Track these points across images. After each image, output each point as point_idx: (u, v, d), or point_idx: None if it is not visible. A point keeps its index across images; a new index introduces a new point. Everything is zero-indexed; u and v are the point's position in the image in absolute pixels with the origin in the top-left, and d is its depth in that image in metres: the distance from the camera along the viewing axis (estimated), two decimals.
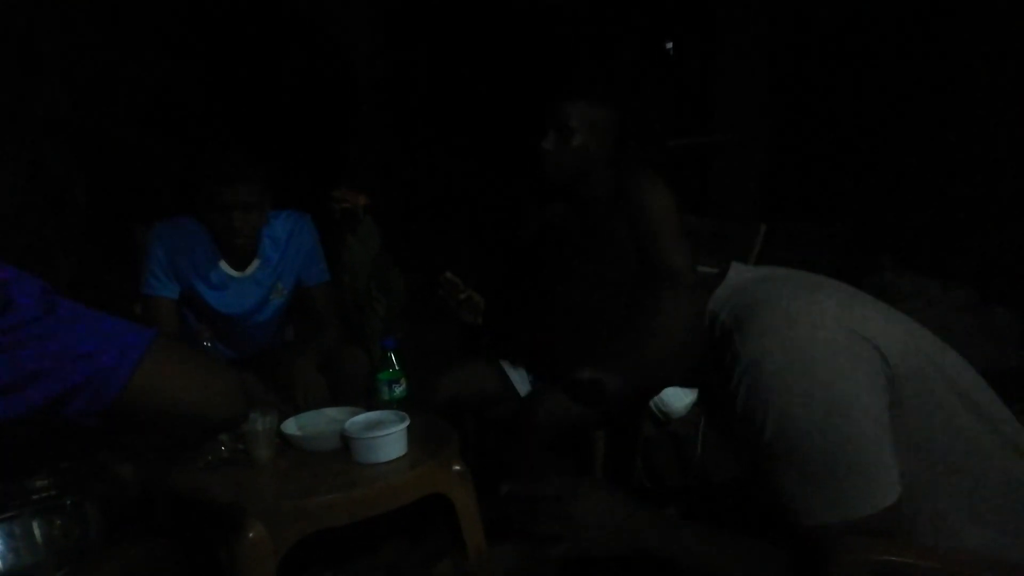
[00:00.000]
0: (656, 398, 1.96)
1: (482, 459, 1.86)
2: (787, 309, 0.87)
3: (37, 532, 0.87)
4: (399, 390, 1.73)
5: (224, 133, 4.53)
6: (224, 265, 2.12)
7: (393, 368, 1.74)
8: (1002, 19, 3.39)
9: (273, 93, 5.10)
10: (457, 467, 1.64)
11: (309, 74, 5.29)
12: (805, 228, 3.59)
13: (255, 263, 2.14)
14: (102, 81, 4.11)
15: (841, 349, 0.84)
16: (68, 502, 0.91)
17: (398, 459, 1.56)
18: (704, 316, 0.97)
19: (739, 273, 1.00)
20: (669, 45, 5.51)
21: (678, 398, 2.00)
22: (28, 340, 0.70)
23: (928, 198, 3.74)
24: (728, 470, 2.10)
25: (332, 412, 1.75)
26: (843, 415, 0.83)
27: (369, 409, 1.69)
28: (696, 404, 2.04)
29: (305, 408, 1.82)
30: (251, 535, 1.37)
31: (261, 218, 2.07)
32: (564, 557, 1.01)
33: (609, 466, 1.95)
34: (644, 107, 5.23)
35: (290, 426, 1.68)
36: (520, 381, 2.07)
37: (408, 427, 1.58)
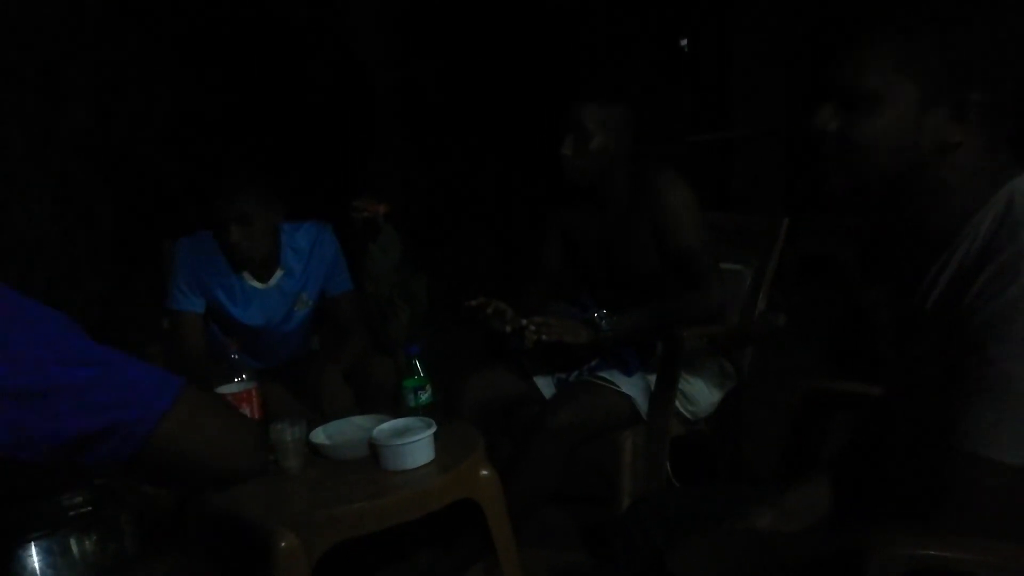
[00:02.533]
0: (682, 397, 1.95)
1: (509, 463, 1.86)
2: None
3: (74, 548, 0.89)
4: (425, 396, 1.74)
5: (244, 146, 4.57)
6: (247, 277, 2.14)
7: (418, 375, 1.74)
8: None
9: (291, 105, 5.14)
10: (485, 472, 1.63)
11: (326, 85, 5.33)
12: (829, 220, 3.55)
13: (278, 274, 2.16)
14: (125, 100, 4.17)
15: None
16: (104, 517, 0.92)
17: (426, 465, 1.56)
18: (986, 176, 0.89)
19: None
20: (684, 42, 5.48)
21: (705, 397, 1.99)
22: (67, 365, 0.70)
23: None
24: (760, 468, 2.09)
25: (359, 420, 1.76)
26: None
27: (396, 416, 1.70)
28: (722, 403, 2.03)
29: (332, 417, 1.83)
30: (283, 544, 1.38)
31: (264, 231, 2.05)
32: None
33: (637, 466, 1.94)
34: (661, 104, 5.20)
35: (318, 435, 1.69)
36: (545, 385, 2.07)
37: (435, 433, 1.58)
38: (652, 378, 1.96)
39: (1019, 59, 0.87)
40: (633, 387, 1.95)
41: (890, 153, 0.90)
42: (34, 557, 0.87)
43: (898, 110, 0.88)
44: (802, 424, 1.41)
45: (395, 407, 1.79)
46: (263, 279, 2.16)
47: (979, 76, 0.86)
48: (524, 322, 1.85)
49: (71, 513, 0.90)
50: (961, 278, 0.87)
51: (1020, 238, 0.82)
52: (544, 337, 1.84)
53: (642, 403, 1.94)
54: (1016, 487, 0.81)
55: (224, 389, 1.65)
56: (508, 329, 1.85)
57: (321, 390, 2.02)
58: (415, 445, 1.55)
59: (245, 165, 2.08)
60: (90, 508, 0.92)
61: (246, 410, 1.65)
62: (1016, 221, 0.84)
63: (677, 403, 1.93)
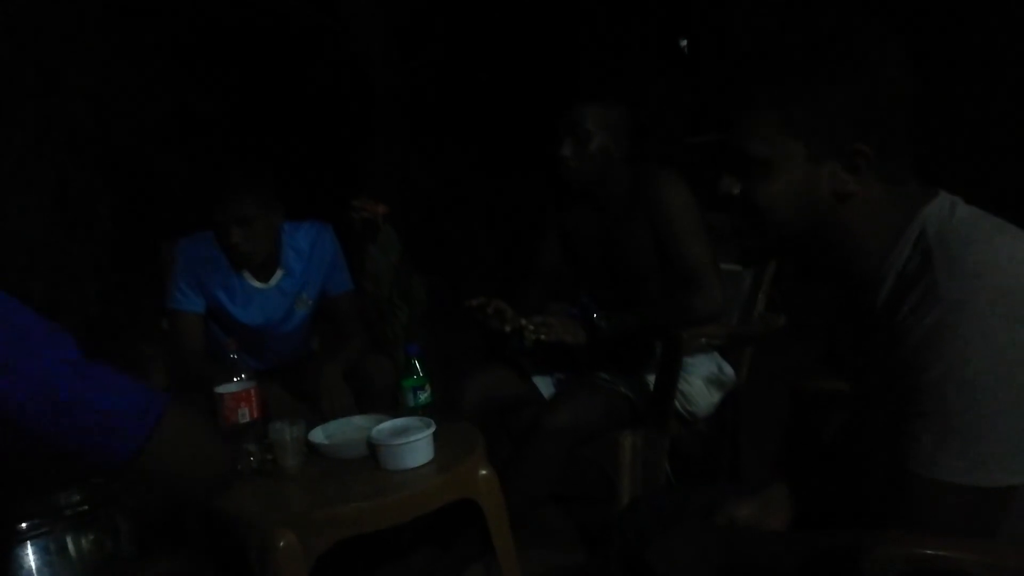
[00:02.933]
0: (681, 397, 1.95)
1: (508, 463, 1.86)
2: (1010, 255, 0.83)
3: (71, 547, 0.89)
4: (424, 396, 1.74)
5: (244, 147, 4.57)
6: (247, 277, 2.14)
7: (417, 375, 1.74)
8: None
9: (291, 106, 5.14)
10: (484, 471, 1.64)
11: (326, 86, 5.33)
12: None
13: (278, 274, 2.16)
14: (124, 101, 4.18)
15: None
16: (100, 516, 0.92)
17: (425, 465, 1.57)
18: (896, 215, 0.90)
19: (952, 201, 0.91)
20: (684, 43, 5.49)
21: (704, 397, 1.98)
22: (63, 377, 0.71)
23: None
24: (759, 469, 2.09)
25: (358, 420, 1.76)
26: None
27: (395, 416, 1.70)
28: (721, 404, 2.03)
29: (332, 417, 1.83)
30: (282, 544, 1.38)
31: (265, 232, 2.05)
32: None
33: (636, 467, 1.94)
34: (661, 105, 5.20)
35: (317, 435, 1.69)
36: (545, 385, 2.07)
37: (434, 433, 1.58)
38: (651, 378, 1.96)
39: (902, 99, 0.88)
40: (632, 387, 1.95)
41: (790, 212, 0.92)
42: (30, 556, 0.87)
43: (789, 171, 0.90)
44: (800, 424, 1.42)
45: (394, 407, 1.79)
46: (263, 279, 2.16)
47: (864, 125, 0.87)
48: (523, 322, 1.85)
49: (67, 512, 0.90)
50: (890, 306, 0.88)
51: (934, 266, 0.84)
52: (543, 337, 1.84)
53: (641, 403, 1.94)
54: (966, 503, 0.82)
55: (223, 389, 1.65)
56: (507, 329, 1.85)
57: (320, 390, 2.02)
58: (414, 445, 1.55)
59: (245, 166, 2.08)
60: (86, 507, 0.92)
61: (245, 410, 1.65)
62: (929, 249, 0.86)
63: (676, 403, 1.93)
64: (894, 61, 0.87)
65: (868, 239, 0.91)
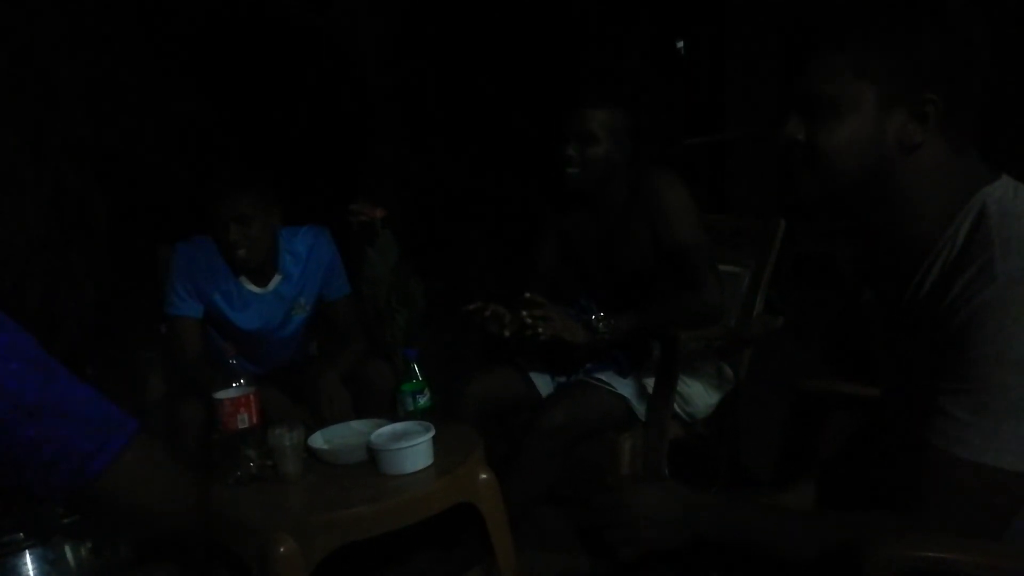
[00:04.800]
0: (680, 399, 1.95)
1: (504, 463, 1.86)
2: None
3: (69, 555, 0.88)
4: (423, 400, 1.73)
5: (240, 150, 4.57)
6: (245, 281, 2.14)
7: (416, 378, 1.74)
8: None
9: (288, 109, 5.13)
10: (484, 475, 1.63)
11: (322, 89, 5.33)
12: (825, 221, 3.54)
13: (276, 279, 2.16)
14: (121, 104, 4.17)
15: None
16: (98, 524, 0.91)
17: (425, 469, 1.56)
18: (957, 187, 0.90)
19: (1016, 186, 0.91)
20: (680, 44, 5.49)
21: (702, 399, 1.99)
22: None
23: None
24: (758, 470, 2.09)
25: (357, 424, 1.76)
26: None
27: (394, 420, 1.69)
28: (720, 405, 2.02)
29: (331, 421, 1.83)
30: (282, 550, 1.38)
31: (263, 231, 2.05)
32: (632, 557, 1.01)
33: (635, 470, 1.94)
34: (658, 106, 5.21)
35: (317, 440, 1.69)
36: (543, 385, 2.07)
37: (434, 437, 1.58)
38: (649, 381, 1.96)
39: (975, 60, 0.88)
40: (627, 388, 1.95)
41: (855, 158, 0.90)
42: (28, 565, 0.87)
43: (859, 114, 0.89)
44: (799, 425, 1.41)
45: (393, 411, 1.79)
46: (261, 284, 2.15)
47: (936, 76, 0.87)
48: (524, 313, 1.84)
49: (65, 520, 0.89)
50: (942, 283, 0.88)
51: (993, 245, 0.84)
52: (541, 330, 1.83)
53: (637, 405, 1.94)
54: (991, 485, 0.82)
55: (222, 394, 1.65)
56: (506, 334, 1.85)
57: (319, 395, 2.01)
58: (414, 449, 1.55)
59: (244, 166, 2.08)
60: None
61: (244, 415, 1.64)
62: (988, 229, 0.85)
63: (675, 405, 1.93)
64: (976, 23, 0.87)
65: (925, 202, 0.91)
